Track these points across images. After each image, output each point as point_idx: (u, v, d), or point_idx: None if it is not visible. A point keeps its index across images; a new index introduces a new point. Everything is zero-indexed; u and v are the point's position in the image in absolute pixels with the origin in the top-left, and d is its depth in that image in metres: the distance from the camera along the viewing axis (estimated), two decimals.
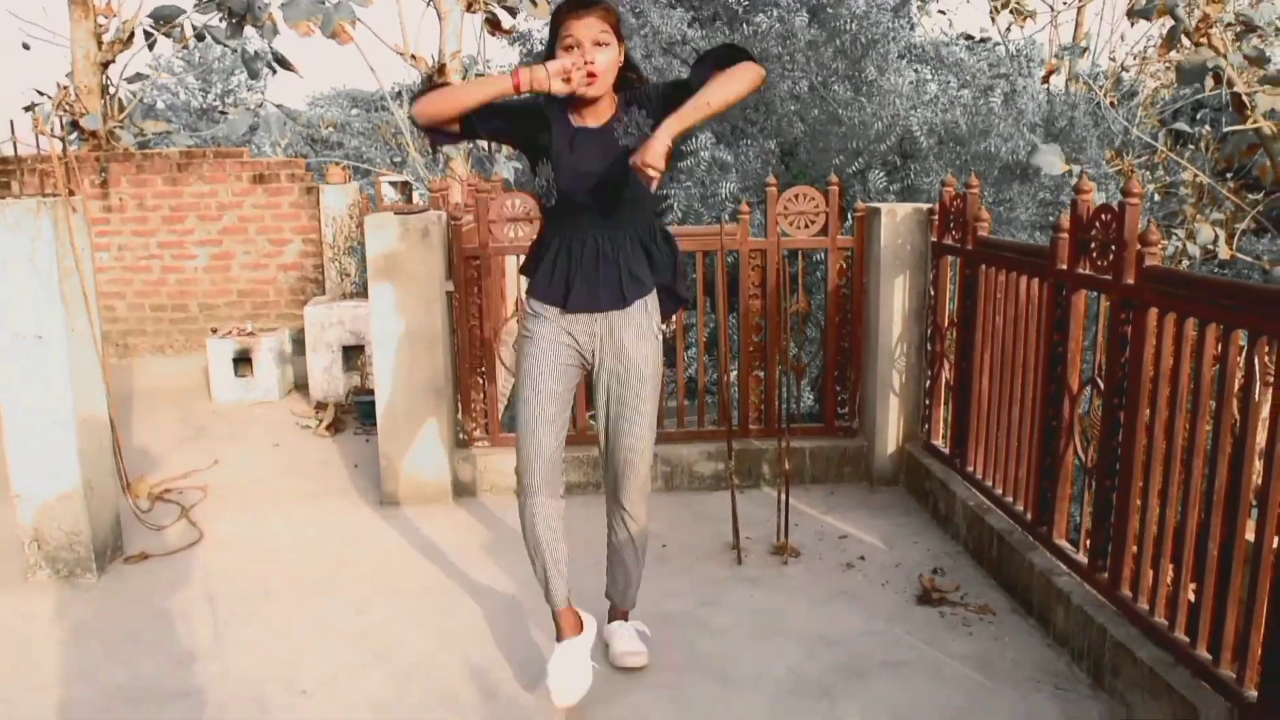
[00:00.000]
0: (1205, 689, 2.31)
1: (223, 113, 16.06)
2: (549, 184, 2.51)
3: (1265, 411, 2.15)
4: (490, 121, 2.52)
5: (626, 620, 2.93)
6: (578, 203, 2.50)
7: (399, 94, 12.80)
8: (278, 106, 12.38)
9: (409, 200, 6.91)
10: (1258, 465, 2.18)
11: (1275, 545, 2.11)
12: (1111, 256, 2.72)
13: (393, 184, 7.02)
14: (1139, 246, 2.59)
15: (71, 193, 3.42)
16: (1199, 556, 2.39)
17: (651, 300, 2.62)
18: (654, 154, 2.26)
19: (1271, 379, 2.12)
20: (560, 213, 2.54)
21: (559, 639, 2.69)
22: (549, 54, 2.46)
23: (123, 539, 3.76)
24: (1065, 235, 2.98)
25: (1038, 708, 2.63)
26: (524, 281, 2.71)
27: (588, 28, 2.39)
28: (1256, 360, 2.16)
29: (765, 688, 2.74)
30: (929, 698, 2.68)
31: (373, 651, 2.98)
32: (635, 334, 2.58)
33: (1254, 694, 2.17)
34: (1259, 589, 2.17)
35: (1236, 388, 2.25)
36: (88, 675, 2.87)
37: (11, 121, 3.67)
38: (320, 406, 5.85)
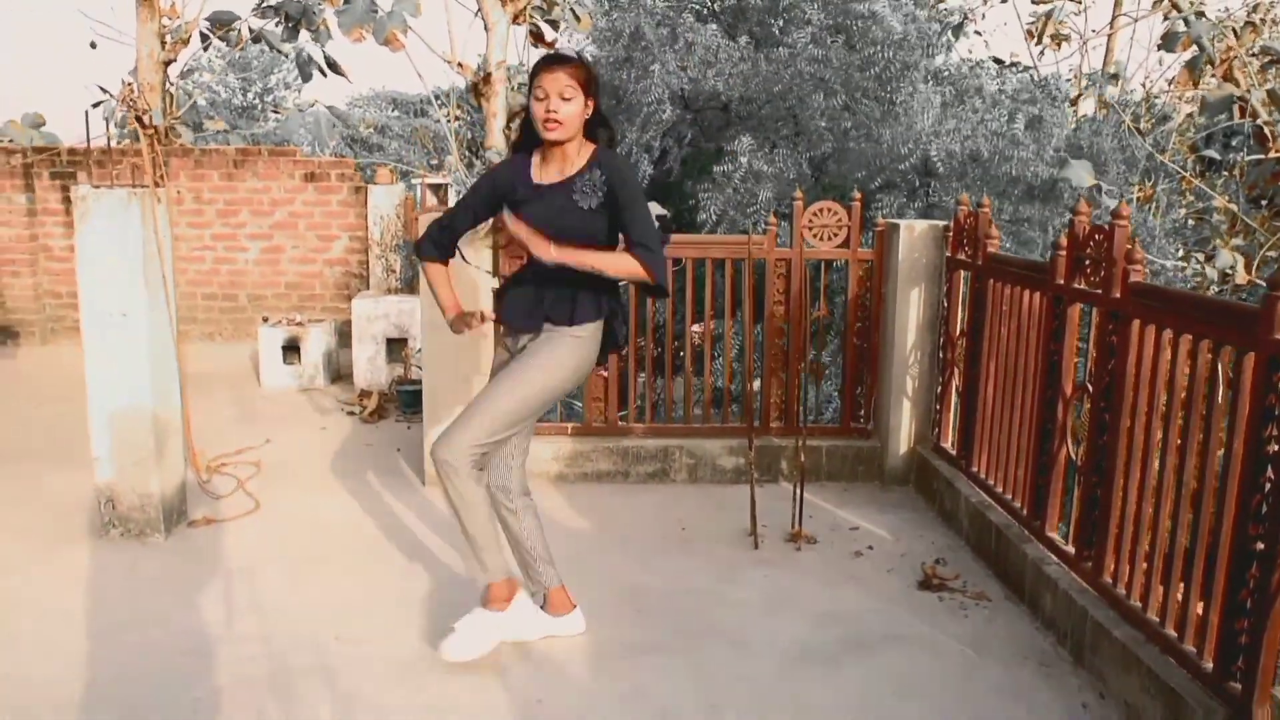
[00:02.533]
0: (1170, 662, 2.57)
1: (274, 110, 16.50)
2: None
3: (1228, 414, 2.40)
4: (462, 234, 3.12)
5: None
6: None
7: (439, 98, 13.19)
8: (328, 109, 12.78)
9: (445, 202, 7.22)
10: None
11: (1232, 534, 2.37)
12: (1102, 273, 2.98)
13: (431, 186, 7.34)
14: (1125, 264, 2.85)
15: (158, 184, 3.75)
16: (1170, 545, 2.65)
17: (571, 332, 2.90)
18: (543, 247, 2.69)
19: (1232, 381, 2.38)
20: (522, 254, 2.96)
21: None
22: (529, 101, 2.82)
23: (187, 505, 4.08)
24: (1064, 253, 3.24)
25: (1022, 680, 2.89)
26: None
27: (555, 81, 2.73)
28: (1219, 366, 2.42)
29: (775, 654, 3.02)
30: (924, 669, 2.95)
31: (413, 610, 3.29)
32: (544, 340, 2.93)
33: (1210, 665, 2.43)
34: (1216, 574, 2.42)
35: (1218, 394, 2.50)
36: (163, 620, 3.18)
37: (106, 119, 4.00)
38: (364, 394, 6.17)
